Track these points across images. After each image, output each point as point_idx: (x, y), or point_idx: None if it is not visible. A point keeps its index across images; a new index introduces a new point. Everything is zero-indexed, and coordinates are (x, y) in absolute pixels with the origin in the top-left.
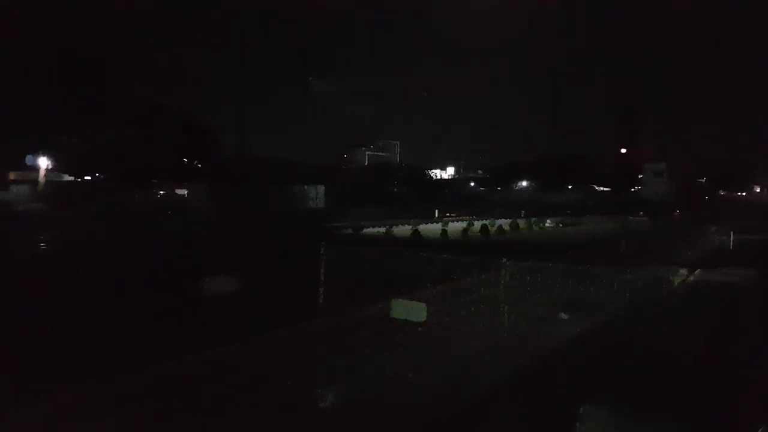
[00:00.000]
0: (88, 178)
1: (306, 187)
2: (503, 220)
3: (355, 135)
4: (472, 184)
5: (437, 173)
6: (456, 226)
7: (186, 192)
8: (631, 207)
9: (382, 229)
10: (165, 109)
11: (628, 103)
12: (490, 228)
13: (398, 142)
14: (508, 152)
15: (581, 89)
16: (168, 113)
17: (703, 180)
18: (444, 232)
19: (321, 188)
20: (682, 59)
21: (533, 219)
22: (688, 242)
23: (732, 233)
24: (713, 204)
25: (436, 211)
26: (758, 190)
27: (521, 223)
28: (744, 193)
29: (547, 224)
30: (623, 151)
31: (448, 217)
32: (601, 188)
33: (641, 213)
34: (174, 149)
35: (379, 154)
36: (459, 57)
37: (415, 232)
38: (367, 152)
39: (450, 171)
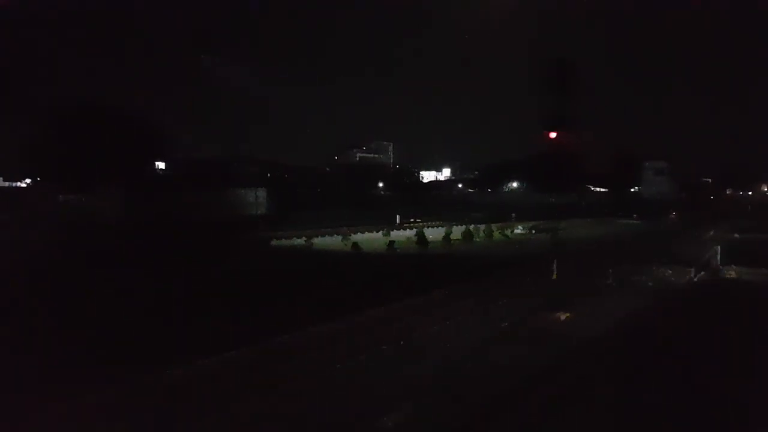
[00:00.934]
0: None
1: (243, 190)
2: (472, 225)
3: (354, 136)
4: (460, 185)
5: (432, 175)
6: (398, 235)
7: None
8: (628, 208)
9: (299, 241)
10: (100, 108)
11: (560, 61)
12: (435, 238)
13: (392, 144)
14: (508, 153)
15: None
16: (102, 112)
17: (709, 180)
18: (356, 244)
19: (262, 192)
20: (686, 56)
21: (496, 225)
22: (664, 257)
23: (729, 241)
24: (718, 204)
25: (398, 217)
26: (765, 189)
27: (482, 230)
28: (750, 192)
29: (516, 231)
30: (552, 135)
31: (412, 222)
32: (598, 188)
33: (634, 215)
34: (107, 150)
35: (372, 155)
36: (459, 57)
37: (309, 245)
38: (358, 153)
39: (446, 172)
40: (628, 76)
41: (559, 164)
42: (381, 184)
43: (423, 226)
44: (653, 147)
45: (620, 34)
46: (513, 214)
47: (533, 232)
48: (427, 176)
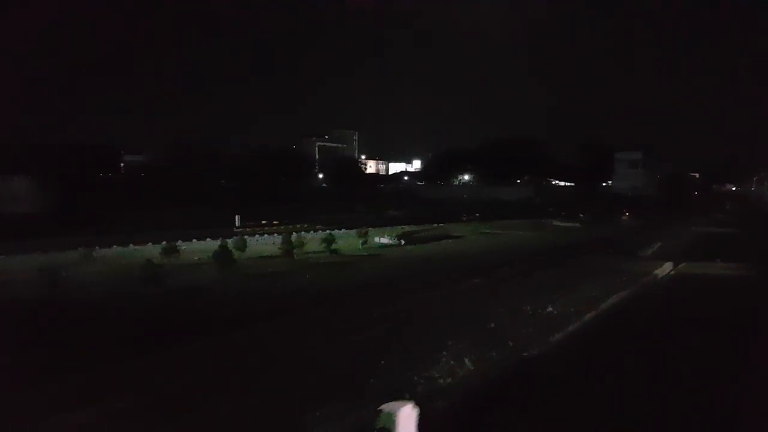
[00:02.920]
0: None
1: None
2: (346, 230)
3: (318, 124)
4: (406, 178)
5: (402, 167)
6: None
7: None
8: (582, 207)
9: None
10: None
11: None
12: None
13: (356, 132)
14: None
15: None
16: None
17: (696, 174)
18: None
19: (21, 182)
20: (688, 46)
21: (331, 231)
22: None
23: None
24: (703, 200)
25: (237, 218)
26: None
27: (313, 241)
28: (734, 188)
29: (382, 240)
30: None
31: (262, 227)
32: (562, 183)
33: (581, 215)
34: None
35: (333, 145)
36: (438, 43)
37: None
38: (318, 142)
39: (417, 164)
40: (623, 66)
41: None
42: (321, 176)
43: (277, 231)
44: (649, 139)
45: (618, 25)
46: (464, 214)
47: (402, 242)
48: (396, 168)
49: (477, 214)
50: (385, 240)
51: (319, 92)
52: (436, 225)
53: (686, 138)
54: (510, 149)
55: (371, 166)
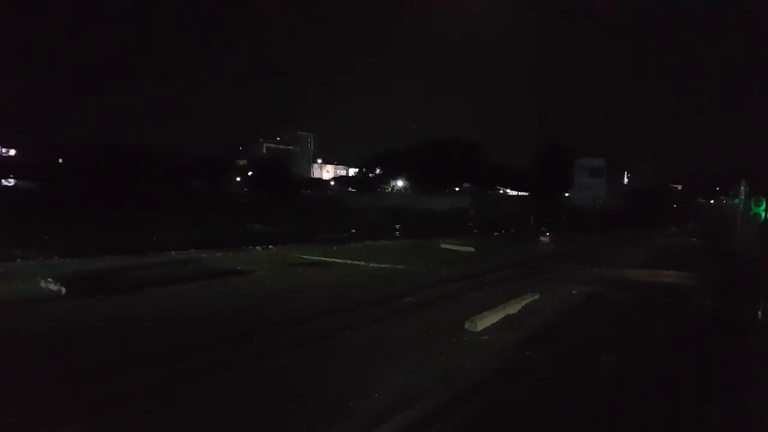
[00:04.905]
0: None
1: None
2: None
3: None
4: (333, 183)
5: (347, 171)
6: None
7: None
8: (520, 221)
9: None
10: None
11: None
12: None
13: (311, 135)
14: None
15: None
16: None
17: (678, 186)
18: None
19: None
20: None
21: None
22: None
23: None
24: (676, 215)
25: None
26: (724, 200)
27: None
28: (711, 201)
29: (50, 284)
30: None
31: None
32: (514, 192)
33: (496, 234)
34: None
35: (283, 147)
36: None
37: None
38: (265, 144)
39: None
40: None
41: None
42: (239, 179)
43: None
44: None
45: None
46: (398, 226)
47: (63, 291)
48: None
49: (353, 231)
50: (52, 286)
51: (310, 93)
52: (258, 248)
53: (684, 147)
54: (449, 153)
55: (329, 171)
